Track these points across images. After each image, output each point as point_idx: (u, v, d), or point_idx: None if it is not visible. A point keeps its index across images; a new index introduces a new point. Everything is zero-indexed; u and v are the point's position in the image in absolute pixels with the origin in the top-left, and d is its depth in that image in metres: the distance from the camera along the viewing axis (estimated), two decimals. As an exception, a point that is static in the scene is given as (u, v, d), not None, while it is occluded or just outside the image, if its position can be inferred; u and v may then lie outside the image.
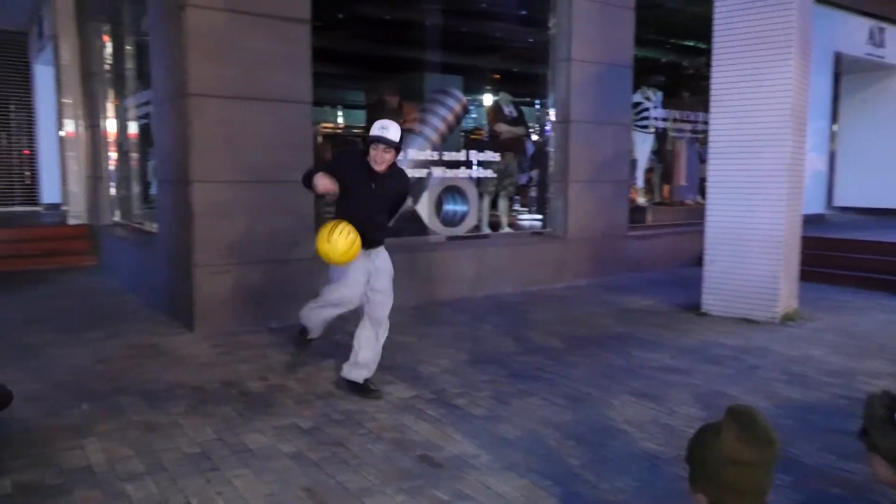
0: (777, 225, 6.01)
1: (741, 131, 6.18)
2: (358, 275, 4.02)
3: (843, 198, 13.37)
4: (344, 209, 4.00)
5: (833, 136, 13.16)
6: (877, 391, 1.90)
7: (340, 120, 13.04)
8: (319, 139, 8.24)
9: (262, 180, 5.68)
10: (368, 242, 3.97)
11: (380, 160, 3.85)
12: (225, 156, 5.50)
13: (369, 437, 3.46)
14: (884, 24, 12.08)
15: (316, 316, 4.30)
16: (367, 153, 3.88)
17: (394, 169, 4.02)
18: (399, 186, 4.16)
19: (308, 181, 4.05)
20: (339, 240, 3.73)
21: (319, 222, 6.72)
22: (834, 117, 13.05)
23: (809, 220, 8.36)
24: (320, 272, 6.05)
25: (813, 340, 5.47)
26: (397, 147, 3.89)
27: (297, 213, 5.90)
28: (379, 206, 4.07)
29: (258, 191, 5.67)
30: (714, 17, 6.31)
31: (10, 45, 13.36)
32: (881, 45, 12.16)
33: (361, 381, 4.12)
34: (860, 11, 11.59)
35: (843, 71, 12.86)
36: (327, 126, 11.17)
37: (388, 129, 3.85)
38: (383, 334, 4.22)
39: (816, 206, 11.33)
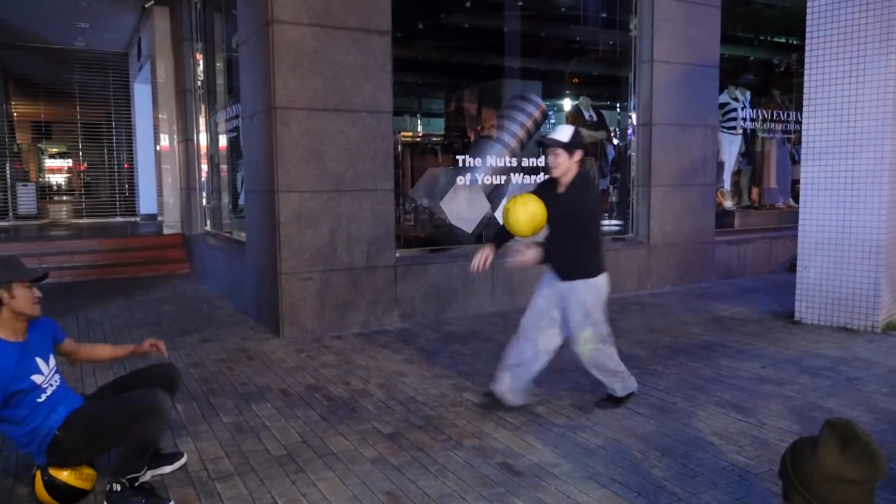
0: (878, 228, 5.67)
1: (838, 130, 5.87)
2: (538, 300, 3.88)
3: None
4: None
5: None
6: None
7: (420, 128, 13.19)
8: (399, 148, 8.36)
9: (346, 189, 5.81)
10: (555, 268, 3.78)
11: (552, 164, 3.66)
12: (309, 166, 5.66)
13: (450, 444, 3.48)
14: None
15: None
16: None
17: (575, 180, 3.70)
18: (572, 199, 3.68)
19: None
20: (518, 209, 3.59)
21: (401, 230, 6.85)
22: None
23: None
24: (402, 279, 6.18)
25: (920, 351, 5.13)
26: (567, 147, 3.61)
27: (380, 221, 6.01)
28: (556, 226, 3.73)
29: (341, 199, 5.81)
30: (808, 12, 6.04)
31: (112, 65, 14.25)
32: None
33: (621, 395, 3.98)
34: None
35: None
36: (407, 134, 11.33)
37: (556, 129, 3.70)
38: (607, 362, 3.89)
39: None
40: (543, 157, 3.71)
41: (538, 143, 3.73)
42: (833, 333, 5.69)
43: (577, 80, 10.35)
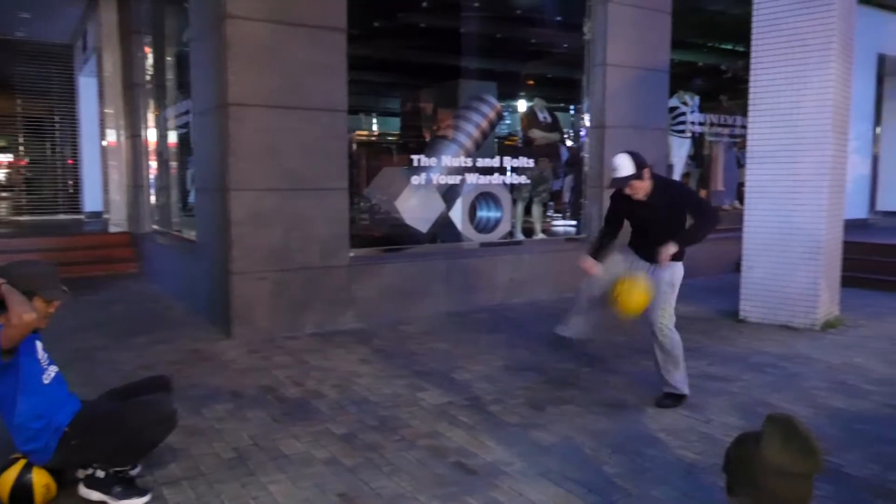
0: (817, 230, 5.88)
1: (781, 135, 6.07)
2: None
3: (887, 202, 13.00)
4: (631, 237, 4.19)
5: (876, 140, 12.82)
6: None
7: (375, 127, 13.14)
8: (354, 147, 8.32)
9: (301, 188, 5.75)
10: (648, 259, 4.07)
11: (633, 193, 3.93)
12: (263, 164, 5.58)
13: (403, 444, 3.47)
14: (930, 24, 11.76)
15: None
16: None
17: (660, 185, 3.99)
18: (674, 195, 4.06)
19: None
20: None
21: (356, 229, 6.82)
22: (877, 120, 12.71)
23: (852, 226, 8.16)
24: (358, 279, 6.14)
25: (856, 348, 5.33)
26: (638, 176, 3.85)
27: (336, 220, 5.96)
28: (656, 223, 4.02)
29: (297, 198, 5.74)
30: (754, 20, 6.22)
31: (56, 57, 13.79)
32: (927, 45, 11.84)
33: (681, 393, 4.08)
34: (905, 11, 11.31)
35: (887, 73, 12.53)
36: (362, 133, 11.27)
37: (617, 168, 3.89)
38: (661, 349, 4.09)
39: (859, 211, 11.06)
40: (624, 189, 3.99)
41: (611, 184, 3.95)
42: (776, 331, 5.88)
43: (532, 81, 10.45)
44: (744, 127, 7.33)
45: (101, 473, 2.85)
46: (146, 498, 2.86)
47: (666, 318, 4.03)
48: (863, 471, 3.16)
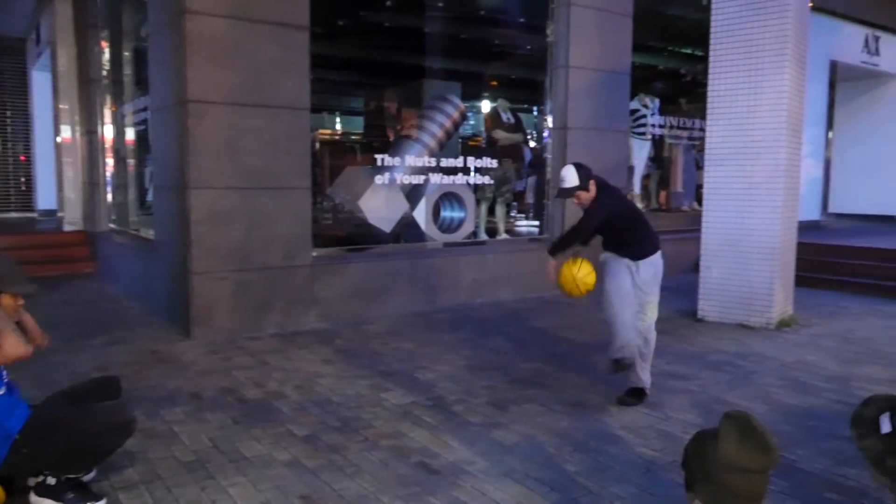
0: (772, 231, 6.03)
1: (738, 138, 6.20)
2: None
3: (839, 204, 13.42)
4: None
5: (828, 144, 13.21)
6: (878, 393, 1.91)
7: (339, 126, 13.04)
8: (317, 146, 8.24)
9: (263, 187, 5.68)
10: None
11: (580, 203, 4.02)
12: (223, 162, 5.50)
13: (366, 445, 3.45)
14: (879, 33, 12.15)
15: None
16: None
17: (597, 197, 4.04)
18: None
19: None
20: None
21: (319, 229, 6.77)
22: (829, 124, 13.10)
23: (805, 227, 8.39)
24: (321, 278, 6.09)
25: (809, 346, 5.48)
26: (582, 188, 3.94)
27: (298, 219, 5.91)
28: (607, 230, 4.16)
29: (258, 197, 5.67)
30: (712, 26, 6.35)
31: (7, 51, 13.38)
32: (876, 53, 12.23)
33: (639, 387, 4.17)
34: (855, 19, 11.65)
35: (839, 79, 12.92)
36: (326, 132, 11.18)
37: (563, 179, 3.98)
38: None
39: (812, 213, 11.37)
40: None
41: (557, 194, 4.01)
42: (732, 330, 6.01)
43: (495, 82, 10.48)
44: (702, 130, 7.49)
45: (52, 480, 2.76)
46: (101, 503, 2.79)
47: (651, 313, 4.16)
48: (815, 465, 3.25)
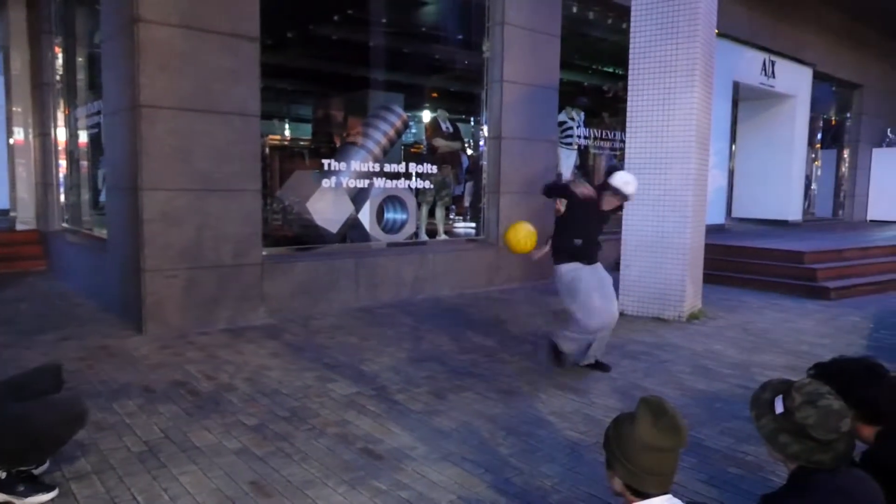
0: (683, 234, 6.22)
1: (653, 149, 6.37)
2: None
3: (741, 210, 13.99)
4: (571, 230, 4.41)
5: (732, 155, 13.73)
6: (773, 378, 1.99)
7: (288, 132, 12.82)
8: (267, 150, 8.08)
9: (213, 189, 5.52)
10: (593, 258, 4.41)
11: (608, 205, 4.32)
12: (176, 165, 5.32)
13: (313, 433, 3.40)
14: (774, 58, 12.70)
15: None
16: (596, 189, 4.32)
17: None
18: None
19: (556, 191, 4.49)
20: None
21: (268, 229, 6.64)
22: (733, 138, 13.62)
23: (712, 230, 8.70)
24: (270, 276, 5.96)
25: (715, 337, 5.68)
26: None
27: (248, 220, 5.76)
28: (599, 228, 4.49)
29: (209, 199, 5.51)
30: (630, 48, 6.50)
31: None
32: (772, 75, 12.78)
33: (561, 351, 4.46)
34: (755, 45, 12.15)
35: (741, 98, 13.44)
36: (275, 138, 10.97)
37: (630, 182, 4.23)
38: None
39: (718, 217, 11.78)
40: (607, 196, 4.42)
41: (615, 191, 4.33)
42: (649, 323, 6.17)
43: (436, 94, 10.50)
44: (622, 141, 7.66)
45: (2, 474, 2.62)
46: (53, 493, 2.66)
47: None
48: (719, 443, 3.37)
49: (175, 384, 4.12)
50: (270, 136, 9.57)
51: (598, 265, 4.45)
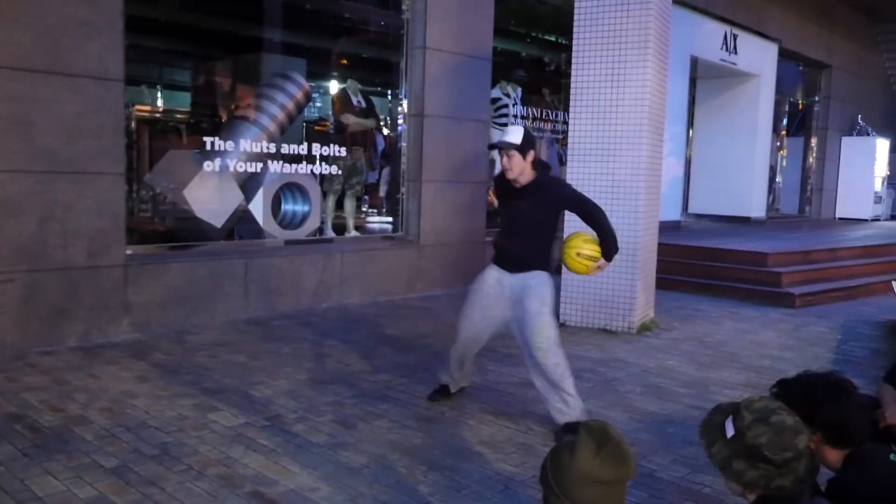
0: (634, 232, 6.41)
1: (600, 133, 6.54)
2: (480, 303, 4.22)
3: (698, 205, 14.59)
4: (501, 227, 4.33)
5: (689, 142, 14.27)
6: (725, 401, 2.08)
7: (161, 103, 12.44)
8: (133, 124, 7.81)
9: (61, 171, 5.29)
10: (510, 263, 4.15)
11: (507, 166, 3.99)
12: (9, 140, 5.06)
13: (189, 474, 3.31)
14: (737, 31, 13.32)
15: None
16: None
17: (542, 180, 4.07)
18: (557, 194, 4.19)
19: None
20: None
21: (134, 222, 6.41)
22: (690, 122, 14.16)
23: (666, 227, 9.01)
24: (135, 281, 5.76)
25: (669, 351, 5.91)
26: (521, 149, 3.93)
27: (107, 211, 5.56)
28: (525, 223, 4.12)
29: (55, 183, 5.27)
30: (575, 14, 6.65)
31: None
32: (734, 51, 13.39)
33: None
34: (715, 16, 12.69)
35: (699, 76, 14.02)
36: (144, 109, 10.61)
37: (507, 132, 4.02)
38: (554, 369, 3.94)
39: (673, 213, 12.19)
40: (498, 158, 4.20)
41: (490, 146, 4.08)
42: (594, 335, 6.35)
43: (345, 61, 10.43)
44: (565, 123, 7.84)
45: None
46: None
47: (546, 333, 4.04)
48: (673, 473, 3.50)
49: (9, 418, 3.92)
50: (138, 107, 9.24)
51: (526, 276, 4.09)
